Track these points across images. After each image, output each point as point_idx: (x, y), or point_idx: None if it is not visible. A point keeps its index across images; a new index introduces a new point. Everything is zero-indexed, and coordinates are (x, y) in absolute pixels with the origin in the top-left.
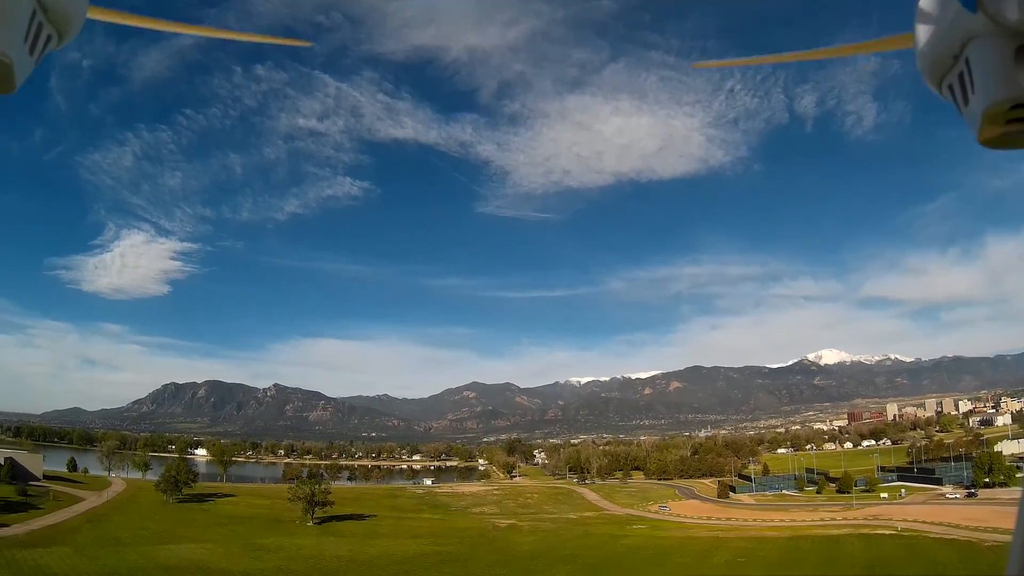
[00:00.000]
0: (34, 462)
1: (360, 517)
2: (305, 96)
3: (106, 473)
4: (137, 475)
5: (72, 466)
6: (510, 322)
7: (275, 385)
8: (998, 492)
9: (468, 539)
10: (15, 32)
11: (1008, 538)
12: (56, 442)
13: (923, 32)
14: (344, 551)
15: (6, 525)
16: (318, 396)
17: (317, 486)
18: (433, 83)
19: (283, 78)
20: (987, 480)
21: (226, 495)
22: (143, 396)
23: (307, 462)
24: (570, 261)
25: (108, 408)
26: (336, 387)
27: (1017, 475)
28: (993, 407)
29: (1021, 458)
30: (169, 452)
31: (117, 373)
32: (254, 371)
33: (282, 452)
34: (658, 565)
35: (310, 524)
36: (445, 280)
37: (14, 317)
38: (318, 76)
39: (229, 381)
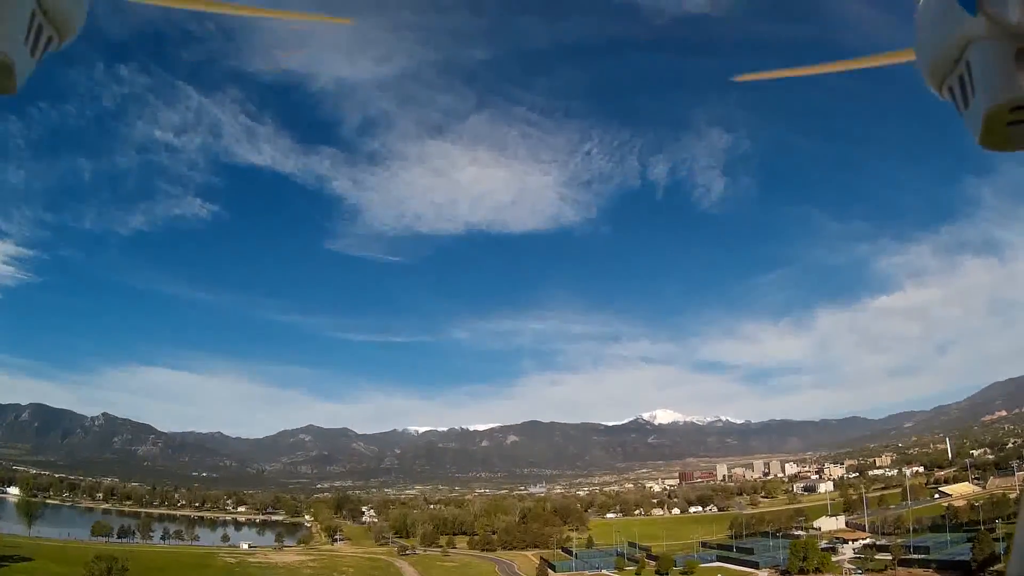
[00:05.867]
0: None
1: None
2: (165, 106)
3: None
4: None
5: None
6: (350, 365)
7: (104, 414)
8: None
9: None
10: (15, 33)
11: None
12: None
13: (924, 34)
14: None
15: None
16: (148, 429)
17: (114, 563)
18: (297, 110)
19: (146, 83)
20: (802, 566)
21: (24, 559)
22: None
23: (127, 509)
24: (415, 307)
25: None
26: (168, 420)
27: (833, 559)
28: (816, 472)
29: (837, 536)
30: None
31: None
32: (83, 396)
33: (101, 496)
34: None
35: None
36: (288, 316)
37: None
38: (182, 87)
39: (55, 406)
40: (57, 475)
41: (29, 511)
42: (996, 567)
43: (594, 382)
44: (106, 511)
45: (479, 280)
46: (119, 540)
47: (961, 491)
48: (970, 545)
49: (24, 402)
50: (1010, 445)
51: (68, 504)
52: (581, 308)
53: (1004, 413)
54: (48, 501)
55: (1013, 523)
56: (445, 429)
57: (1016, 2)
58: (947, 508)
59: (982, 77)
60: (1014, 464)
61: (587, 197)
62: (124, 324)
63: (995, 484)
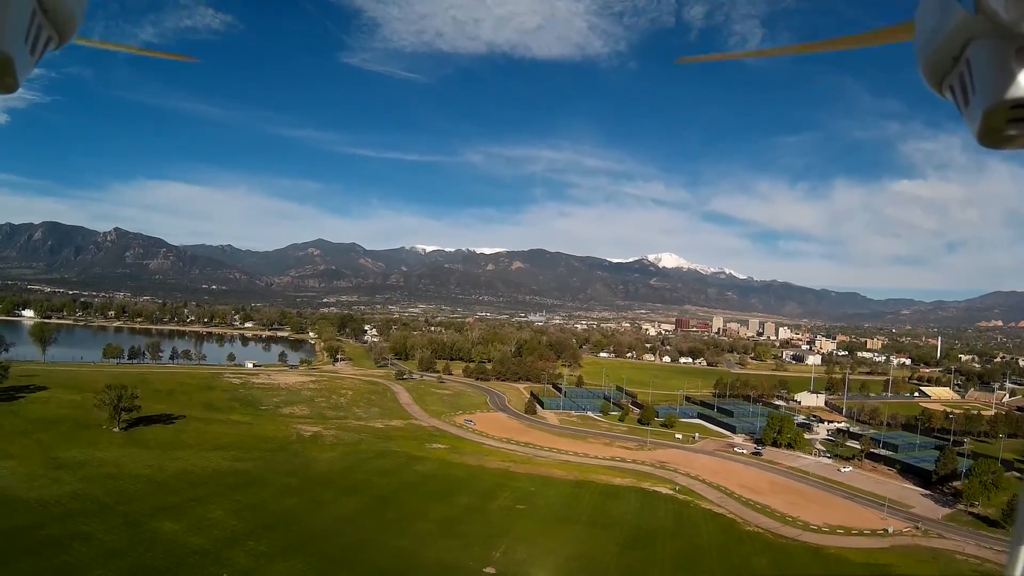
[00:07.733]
0: None
1: (168, 420)
2: None
3: None
4: None
5: None
6: (361, 181)
7: (116, 229)
8: (780, 454)
9: (269, 452)
10: (15, 32)
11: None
12: None
13: (923, 33)
14: (144, 467)
15: None
16: (160, 243)
17: (124, 391)
18: None
19: None
20: (776, 438)
21: (39, 388)
22: None
23: (138, 326)
24: (430, 127)
25: None
26: (179, 234)
27: (806, 436)
28: (808, 343)
29: (814, 415)
30: None
31: None
32: (95, 212)
33: (113, 313)
34: (442, 503)
35: (116, 430)
36: (300, 131)
37: None
38: None
39: (68, 223)
40: (71, 291)
41: (43, 336)
42: (955, 484)
43: (603, 218)
44: (118, 329)
45: (497, 103)
46: (130, 362)
47: (940, 395)
48: (936, 454)
49: (37, 221)
50: (998, 359)
51: (81, 324)
52: (598, 142)
53: (1000, 324)
54: (61, 322)
55: (983, 441)
56: (452, 250)
57: (1016, 1)
58: (923, 411)
59: (982, 75)
60: (995, 385)
61: (617, 30)
62: (134, 140)
63: (974, 396)
